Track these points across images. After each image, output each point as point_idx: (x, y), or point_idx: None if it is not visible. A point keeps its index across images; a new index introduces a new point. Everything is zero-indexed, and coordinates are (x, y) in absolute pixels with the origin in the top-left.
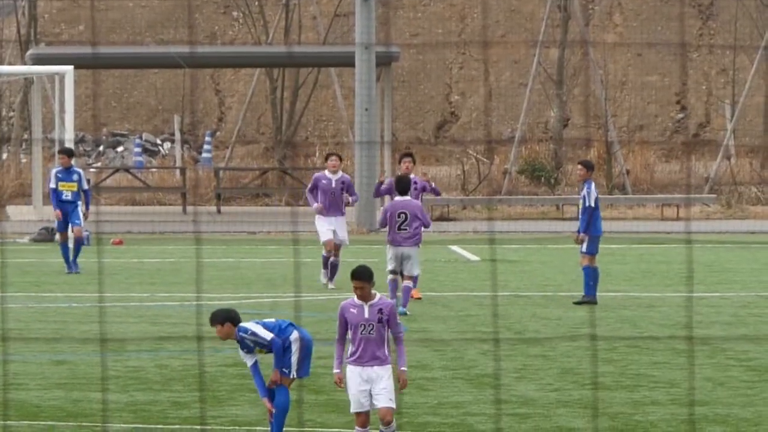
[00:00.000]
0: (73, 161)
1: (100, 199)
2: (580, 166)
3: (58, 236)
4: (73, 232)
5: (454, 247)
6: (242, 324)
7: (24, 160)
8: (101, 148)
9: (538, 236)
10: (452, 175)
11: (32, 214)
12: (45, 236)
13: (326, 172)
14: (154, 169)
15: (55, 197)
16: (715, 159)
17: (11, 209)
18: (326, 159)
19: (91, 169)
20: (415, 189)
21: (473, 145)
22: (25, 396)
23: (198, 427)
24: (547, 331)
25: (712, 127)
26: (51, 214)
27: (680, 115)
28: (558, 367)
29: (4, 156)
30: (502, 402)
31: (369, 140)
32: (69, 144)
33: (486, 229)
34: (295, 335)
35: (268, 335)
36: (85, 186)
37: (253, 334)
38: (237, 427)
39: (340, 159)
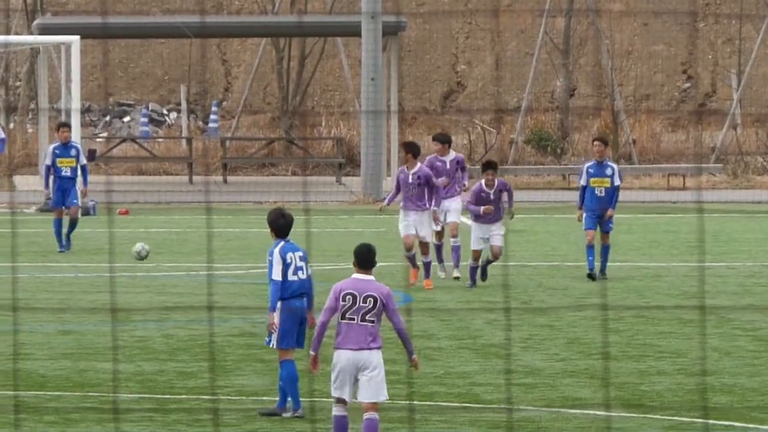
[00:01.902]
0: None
1: (107, 168)
2: (598, 143)
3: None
4: (69, 212)
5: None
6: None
7: (30, 130)
8: (108, 118)
9: (544, 206)
10: (459, 145)
11: (39, 184)
12: (52, 206)
13: (437, 155)
14: (160, 139)
15: (47, 175)
16: (721, 128)
17: (18, 179)
18: (434, 139)
19: (98, 139)
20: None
21: (479, 114)
22: (32, 366)
23: (204, 396)
24: (553, 301)
25: (719, 97)
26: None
27: (686, 85)
28: (564, 337)
29: (11, 126)
30: (509, 372)
31: (375, 110)
32: (75, 114)
33: None
34: (279, 304)
35: (274, 275)
36: (83, 161)
37: (270, 264)
38: (243, 397)
39: (444, 142)
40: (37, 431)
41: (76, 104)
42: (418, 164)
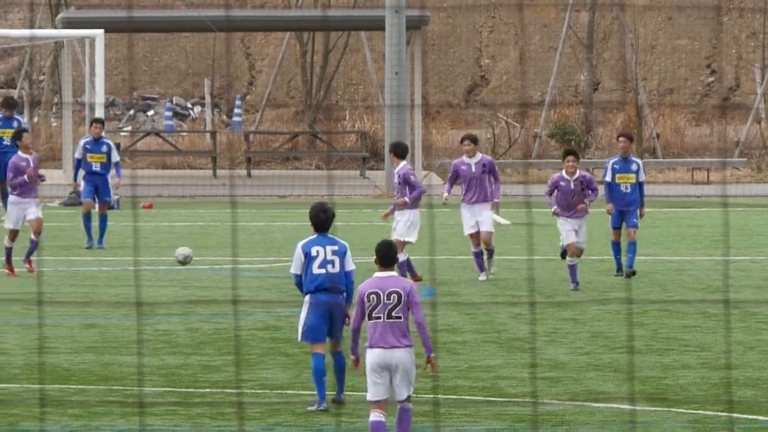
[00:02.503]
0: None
1: (131, 162)
2: (623, 139)
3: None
4: (99, 208)
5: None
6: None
7: (54, 124)
8: (132, 111)
9: None
10: (482, 139)
11: (63, 178)
12: (75, 200)
13: (464, 157)
14: (184, 133)
15: (77, 168)
16: (745, 123)
17: (42, 173)
18: (461, 142)
19: (122, 133)
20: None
21: (503, 108)
22: (56, 359)
23: (228, 390)
24: (577, 295)
25: (742, 91)
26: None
27: (710, 79)
28: (588, 331)
29: (35, 120)
30: (533, 365)
31: (399, 104)
32: (99, 108)
33: (516, 193)
34: (307, 297)
35: (291, 268)
36: (116, 158)
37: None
38: (267, 391)
39: (475, 141)
40: (62, 424)
41: (100, 98)
42: (401, 163)
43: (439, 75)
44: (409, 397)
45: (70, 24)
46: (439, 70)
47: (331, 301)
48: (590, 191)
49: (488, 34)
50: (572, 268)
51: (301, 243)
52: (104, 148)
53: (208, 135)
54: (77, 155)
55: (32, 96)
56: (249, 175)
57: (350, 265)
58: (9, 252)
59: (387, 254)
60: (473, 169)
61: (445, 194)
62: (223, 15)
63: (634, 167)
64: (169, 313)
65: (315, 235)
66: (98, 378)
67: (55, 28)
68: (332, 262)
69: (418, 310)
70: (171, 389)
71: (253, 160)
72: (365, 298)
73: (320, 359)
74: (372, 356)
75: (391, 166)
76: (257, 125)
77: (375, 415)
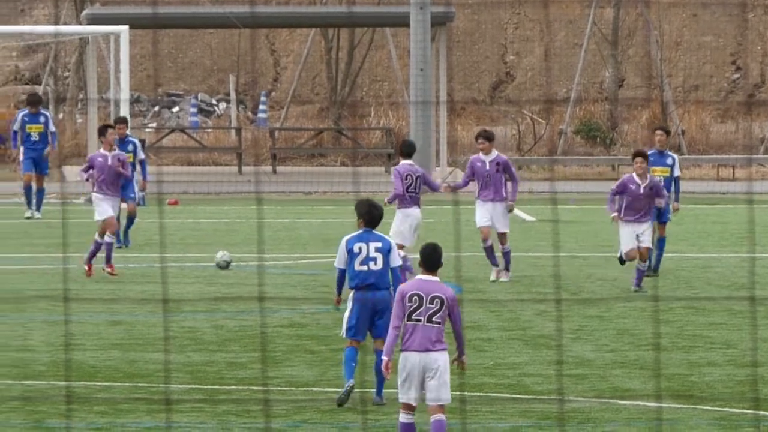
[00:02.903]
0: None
1: (156, 159)
2: (660, 132)
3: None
4: (127, 206)
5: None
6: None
7: (80, 121)
8: (157, 108)
9: (593, 197)
10: (508, 136)
11: None
12: None
13: (480, 154)
14: (209, 130)
15: None
16: None
17: (67, 170)
18: (476, 139)
19: (147, 130)
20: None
21: (528, 105)
22: (82, 356)
23: (254, 387)
24: (603, 292)
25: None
26: None
27: (735, 76)
28: (614, 328)
29: (60, 116)
30: (559, 363)
31: (424, 100)
32: (125, 104)
33: (541, 190)
34: (351, 294)
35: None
36: (142, 155)
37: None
38: (293, 388)
39: (489, 139)
40: (88, 421)
41: (125, 94)
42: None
43: (464, 71)
44: (443, 406)
45: (94, 20)
46: (464, 66)
47: (372, 298)
48: (659, 198)
49: (513, 31)
50: (639, 272)
51: (345, 238)
52: (130, 147)
53: (233, 131)
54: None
55: (57, 92)
56: (274, 171)
57: (396, 262)
58: (98, 248)
59: (431, 258)
60: (487, 167)
61: (451, 185)
62: (248, 11)
63: (669, 161)
64: (195, 310)
65: (361, 231)
66: (124, 375)
67: (80, 24)
68: (375, 259)
69: (458, 318)
70: (197, 386)
71: (278, 156)
72: (406, 299)
73: (351, 350)
74: (406, 359)
75: (418, 163)
76: (282, 122)
77: (405, 417)
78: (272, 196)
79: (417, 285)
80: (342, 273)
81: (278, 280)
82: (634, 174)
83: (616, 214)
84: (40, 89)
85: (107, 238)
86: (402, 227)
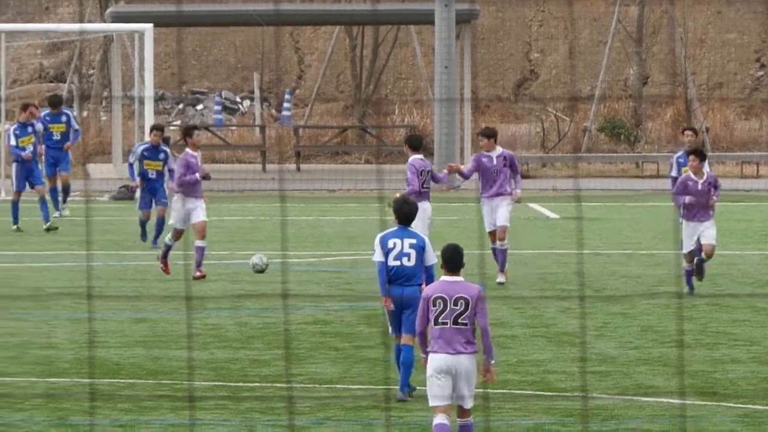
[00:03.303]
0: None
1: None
2: (690, 132)
3: (140, 213)
4: (158, 211)
5: (534, 205)
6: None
7: (104, 118)
8: (181, 106)
9: (617, 194)
10: (532, 133)
11: (112, 172)
12: (125, 194)
13: (483, 151)
14: (233, 127)
15: (132, 171)
16: None
17: (92, 167)
18: (478, 135)
19: (171, 127)
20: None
21: (553, 102)
22: (106, 354)
23: (278, 384)
24: (626, 289)
25: None
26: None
27: (760, 73)
28: (638, 325)
29: (85, 114)
30: (583, 360)
31: (448, 98)
32: (149, 102)
33: (565, 187)
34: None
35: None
36: (173, 165)
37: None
38: (317, 385)
39: (489, 136)
40: (112, 419)
41: (149, 92)
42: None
43: (489, 69)
44: (469, 410)
45: (119, 18)
46: (489, 64)
47: (401, 294)
48: (715, 189)
49: (538, 28)
50: (689, 272)
51: (380, 234)
52: (161, 156)
53: (257, 129)
54: (131, 160)
55: (82, 90)
56: (298, 169)
57: (431, 260)
58: (168, 249)
59: (453, 259)
60: (494, 162)
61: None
62: (272, 9)
63: None
64: (219, 308)
65: (395, 228)
66: (148, 372)
67: (104, 22)
68: (408, 255)
69: (484, 317)
70: (220, 383)
71: (302, 154)
72: (430, 303)
73: (407, 350)
74: (436, 361)
75: (443, 161)
76: (306, 119)
77: (440, 419)
78: (296, 194)
79: (440, 287)
80: (382, 266)
81: (302, 278)
82: (690, 173)
83: (688, 198)
84: (64, 87)
85: (199, 243)
86: (417, 222)
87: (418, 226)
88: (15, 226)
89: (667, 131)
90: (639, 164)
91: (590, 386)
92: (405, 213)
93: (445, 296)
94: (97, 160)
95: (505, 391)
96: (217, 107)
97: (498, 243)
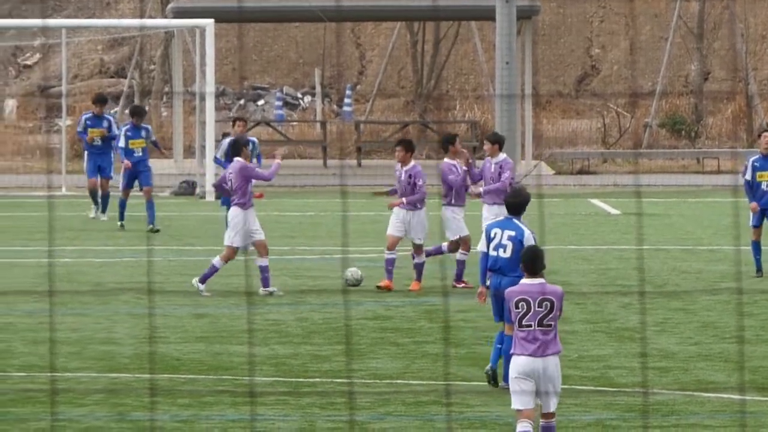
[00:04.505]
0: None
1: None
2: (767, 135)
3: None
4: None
5: (595, 201)
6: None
7: (165, 114)
8: (242, 101)
9: (678, 190)
10: (593, 129)
11: (173, 167)
12: (186, 190)
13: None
14: (294, 123)
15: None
16: None
17: (152, 163)
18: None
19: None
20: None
21: (614, 98)
22: (166, 349)
23: (338, 380)
24: (687, 284)
25: None
26: (191, 168)
27: None
28: (698, 321)
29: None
30: (644, 355)
31: (509, 93)
32: (210, 98)
33: (626, 183)
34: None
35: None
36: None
37: None
38: (377, 380)
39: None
40: (172, 414)
41: (210, 88)
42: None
43: (550, 65)
44: (554, 413)
45: (180, 14)
46: (550, 59)
47: (499, 285)
48: None
49: (599, 24)
50: (756, 245)
51: (487, 223)
52: (250, 147)
53: (318, 125)
54: (218, 154)
55: (143, 86)
56: (359, 164)
57: None
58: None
59: (534, 261)
60: (492, 169)
61: (477, 189)
62: (334, 4)
63: None
64: (280, 303)
65: (503, 218)
66: (208, 368)
67: (166, 17)
68: (504, 247)
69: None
70: (281, 379)
71: (363, 149)
72: (513, 305)
73: (499, 334)
74: (520, 364)
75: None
76: (367, 115)
77: (523, 425)
78: (357, 189)
79: (522, 289)
80: (483, 255)
81: (363, 273)
82: (759, 153)
83: (755, 203)
84: (125, 83)
85: (461, 256)
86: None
87: (418, 229)
88: (120, 222)
89: (728, 127)
90: (700, 160)
91: (651, 382)
92: (510, 203)
93: (529, 298)
94: (158, 155)
95: (566, 386)
96: (278, 103)
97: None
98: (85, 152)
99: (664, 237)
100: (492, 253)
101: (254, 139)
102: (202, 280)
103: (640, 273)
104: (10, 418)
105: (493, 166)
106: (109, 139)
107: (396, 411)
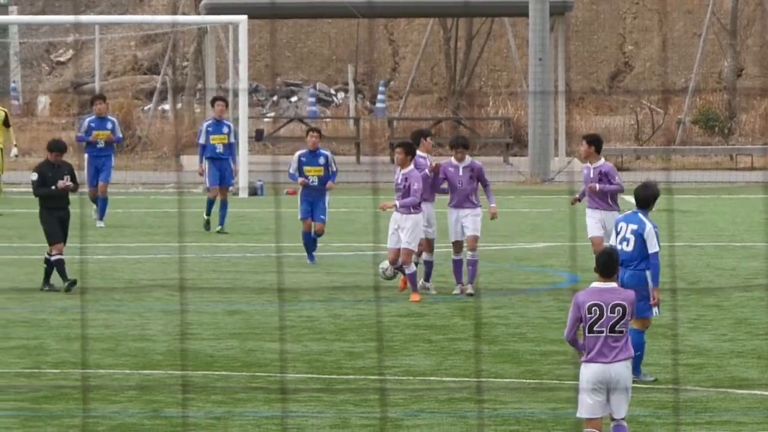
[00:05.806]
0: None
1: (274, 149)
2: None
3: (208, 192)
4: (315, 226)
5: (628, 197)
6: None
7: (198, 110)
8: (275, 98)
9: (711, 186)
10: (626, 125)
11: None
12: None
13: (452, 159)
14: (327, 119)
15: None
16: None
17: (185, 159)
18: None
19: (265, 119)
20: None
21: (647, 95)
22: (199, 346)
23: (372, 376)
24: (720, 281)
25: None
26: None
27: None
28: (732, 318)
29: (179, 106)
30: (676, 352)
31: (543, 90)
32: (243, 94)
33: (658, 179)
34: None
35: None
36: (233, 139)
37: None
38: (411, 377)
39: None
40: (205, 411)
41: (243, 84)
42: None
43: (583, 61)
44: (624, 418)
45: (213, 10)
46: (583, 56)
47: (623, 278)
48: None
49: (632, 21)
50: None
51: (617, 216)
52: (321, 160)
53: (351, 121)
54: (291, 170)
55: (176, 82)
56: (392, 161)
57: (653, 247)
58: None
59: (608, 264)
60: (460, 173)
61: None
62: (366, 1)
63: None
64: (313, 300)
65: (631, 211)
66: (241, 364)
67: (199, 14)
68: (627, 241)
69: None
70: (314, 376)
71: (396, 146)
72: (585, 311)
73: (638, 335)
74: (591, 371)
75: (537, 153)
76: (401, 111)
77: None
78: (390, 186)
79: (595, 294)
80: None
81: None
82: None
83: None
84: (158, 79)
85: (472, 256)
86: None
87: (408, 232)
88: (206, 218)
89: (762, 123)
90: (733, 157)
91: (683, 378)
92: (642, 196)
93: (602, 303)
94: (190, 152)
95: None
96: (312, 99)
97: (469, 254)
98: (86, 155)
99: (698, 234)
100: (618, 246)
101: (328, 153)
102: (426, 279)
103: (672, 269)
104: (43, 414)
105: (592, 171)
106: (112, 143)
107: (429, 408)
